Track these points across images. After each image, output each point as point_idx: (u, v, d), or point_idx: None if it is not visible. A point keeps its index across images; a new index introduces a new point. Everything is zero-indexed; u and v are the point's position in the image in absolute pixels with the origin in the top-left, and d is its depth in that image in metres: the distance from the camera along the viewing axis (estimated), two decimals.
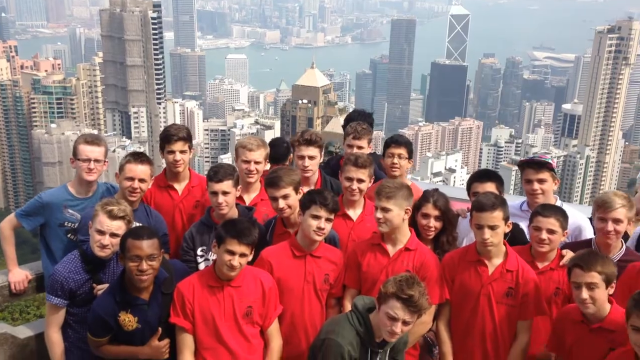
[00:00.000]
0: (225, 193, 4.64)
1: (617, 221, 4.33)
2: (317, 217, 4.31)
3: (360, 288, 4.50)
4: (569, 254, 4.38)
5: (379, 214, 4.36)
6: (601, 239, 4.44)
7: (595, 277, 3.75)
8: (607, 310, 3.87)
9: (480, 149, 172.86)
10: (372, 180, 4.99)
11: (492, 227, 4.16)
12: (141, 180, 4.82)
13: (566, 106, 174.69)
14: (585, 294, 3.77)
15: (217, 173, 4.66)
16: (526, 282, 4.18)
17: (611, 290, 3.83)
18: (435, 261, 4.53)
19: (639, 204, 5.35)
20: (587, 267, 3.77)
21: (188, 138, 5.23)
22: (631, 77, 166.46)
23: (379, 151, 6.12)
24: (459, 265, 4.34)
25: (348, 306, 4.37)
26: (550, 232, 4.31)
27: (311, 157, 5.34)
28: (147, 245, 4.00)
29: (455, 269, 4.35)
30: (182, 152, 5.17)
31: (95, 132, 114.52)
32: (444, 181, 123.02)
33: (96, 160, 4.95)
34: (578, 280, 3.81)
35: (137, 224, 4.59)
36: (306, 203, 4.38)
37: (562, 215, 4.37)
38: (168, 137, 5.16)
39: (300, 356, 4.37)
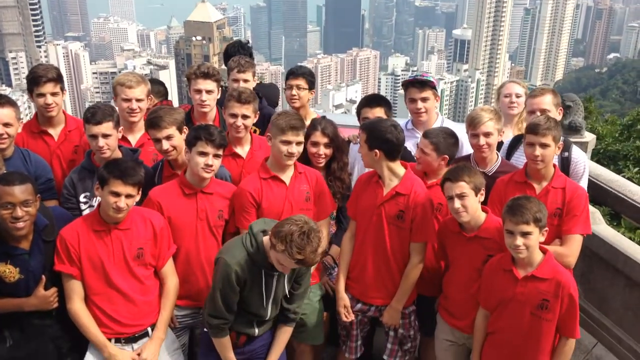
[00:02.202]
0: (105, 136, 4.38)
1: (487, 134, 4.53)
2: (204, 154, 4.18)
3: None
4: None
5: (294, 149, 4.31)
6: (477, 154, 4.66)
7: (464, 187, 3.95)
8: (482, 219, 4.09)
9: (379, 78, 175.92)
10: (257, 116, 4.90)
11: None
12: (6, 125, 4.44)
13: (456, 32, 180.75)
14: (457, 203, 3.97)
15: (95, 115, 4.37)
16: (415, 206, 4.25)
17: (481, 198, 4.05)
18: (322, 175, 4.68)
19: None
20: (455, 178, 3.97)
21: (59, 79, 4.82)
22: (515, 0, 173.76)
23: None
24: (364, 184, 4.44)
25: None
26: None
27: (208, 92, 5.11)
28: (20, 191, 3.74)
29: (362, 187, 4.45)
30: (53, 94, 4.79)
31: None
32: (346, 112, 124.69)
33: None
34: (449, 192, 4.01)
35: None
36: (191, 140, 4.23)
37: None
38: (36, 79, 4.74)
39: (198, 294, 4.34)
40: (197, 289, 4.38)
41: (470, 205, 3.99)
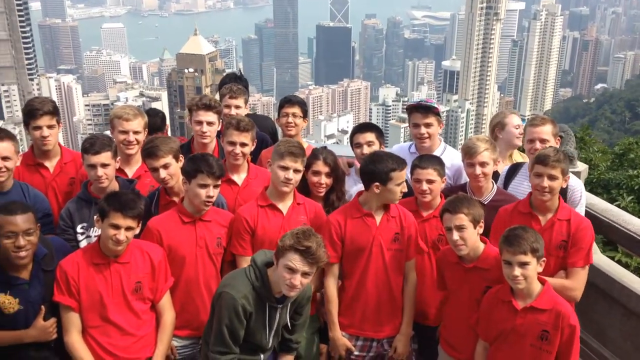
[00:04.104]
0: (104, 165, 4.41)
1: (483, 164, 4.58)
2: (204, 186, 4.21)
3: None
4: None
5: (291, 175, 4.35)
6: (473, 183, 4.69)
7: (463, 219, 3.94)
8: (481, 249, 4.08)
9: (370, 108, 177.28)
10: (255, 144, 4.94)
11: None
12: (4, 159, 4.44)
13: (445, 63, 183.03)
14: (456, 235, 3.96)
15: (94, 145, 4.41)
16: (409, 225, 4.39)
17: (480, 230, 4.05)
18: (322, 208, 4.70)
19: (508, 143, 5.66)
20: (455, 210, 3.96)
21: (55, 111, 4.85)
22: (502, 32, 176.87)
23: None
24: (346, 223, 4.38)
25: None
26: (430, 182, 4.47)
27: (209, 123, 5.13)
28: (23, 220, 3.75)
29: (343, 228, 4.38)
30: (49, 127, 4.80)
31: None
32: (337, 142, 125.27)
33: None
34: (448, 224, 4.00)
35: None
36: (191, 172, 4.24)
37: (438, 164, 4.53)
38: (32, 112, 4.76)
39: (198, 323, 4.30)
40: (197, 317, 4.35)
41: (469, 237, 3.98)
